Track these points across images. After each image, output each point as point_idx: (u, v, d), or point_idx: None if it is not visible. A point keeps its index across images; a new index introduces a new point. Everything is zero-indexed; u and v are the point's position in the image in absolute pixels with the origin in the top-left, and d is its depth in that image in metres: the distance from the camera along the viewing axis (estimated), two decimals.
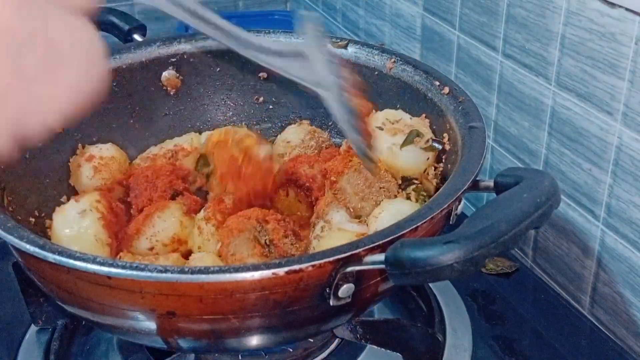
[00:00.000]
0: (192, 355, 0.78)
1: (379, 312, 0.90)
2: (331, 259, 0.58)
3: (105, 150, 0.90)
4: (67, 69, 0.45)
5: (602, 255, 0.89)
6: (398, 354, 0.81)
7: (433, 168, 0.83)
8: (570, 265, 0.95)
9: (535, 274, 0.99)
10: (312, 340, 0.82)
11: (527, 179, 0.63)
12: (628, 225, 0.85)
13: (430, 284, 0.91)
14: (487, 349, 0.85)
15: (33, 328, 0.87)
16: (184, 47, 0.99)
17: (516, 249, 1.04)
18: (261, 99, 1.02)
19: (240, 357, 0.81)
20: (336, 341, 0.84)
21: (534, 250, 1.02)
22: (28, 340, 0.86)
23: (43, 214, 0.82)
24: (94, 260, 0.58)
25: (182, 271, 0.57)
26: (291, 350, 0.82)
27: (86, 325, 0.87)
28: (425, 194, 0.80)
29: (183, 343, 0.65)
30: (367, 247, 0.58)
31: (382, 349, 0.81)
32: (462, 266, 0.54)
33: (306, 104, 1.00)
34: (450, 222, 0.69)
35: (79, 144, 0.90)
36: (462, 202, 0.68)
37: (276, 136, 0.99)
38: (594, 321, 0.91)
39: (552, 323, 0.89)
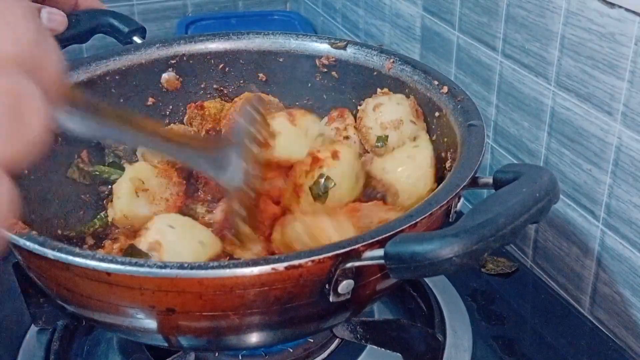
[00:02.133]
0: (193, 355, 0.78)
1: (379, 312, 0.90)
2: (330, 254, 0.58)
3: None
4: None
5: (602, 255, 0.89)
6: (398, 354, 0.81)
7: None
8: (570, 265, 0.95)
9: (535, 274, 0.99)
10: (312, 340, 0.82)
11: (526, 175, 0.63)
12: (628, 225, 0.84)
13: (431, 285, 0.92)
14: (487, 349, 0.85)
15: (33, 328, 0.87)
16: (183, 48, 0.99)
17: (516, 249, 1.04)
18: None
19: (240, 358, 0.81)
20: (336, 341, 0.84)
21: (534, 250, 1.02)
22: (28, 341, 0.86)
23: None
24: (93, 257, 0.58)
25: (181, 267, 0.57)
26: (291, 350, 0.82)
27: (86, 325, 0.87)
28: None
29: (183, 340, 0.65)
30: (366, 243, 0.58)
31: (382, 349, 0.81)
32: (461, 260, 0.53)
33: (305, 107, 1.01)
34: (450, 220, 0.69)
35: (80, 154, 0.91)
36: (461, 199, 0.68)
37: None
38: (594, 321, 0.91)
39: (552, 323, 0.89)
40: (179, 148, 0.69)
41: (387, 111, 0.89)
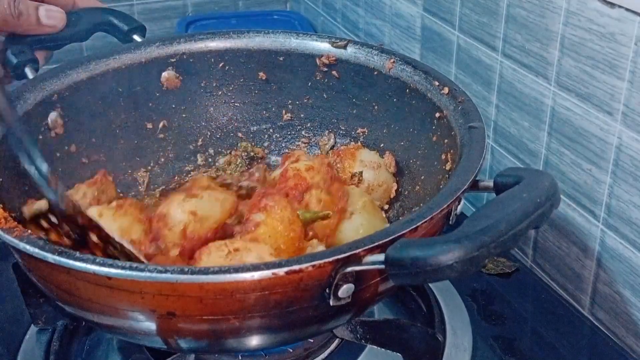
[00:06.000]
0: (192, 356, 0.78)
1: (379, 312, 0.90)
2: (331, 259, 0.58)
3: None
4: None
5: (602, 255, 0.89)
6: (398, 354, 0.81)
7: None
8: (570, 265, 0.95)
9: (535, 274, 0.99)
10: (312, 340, 0.82)
11: (527, 179, 0.63)
12: (628, 225, 0.84)
13: (430, 284, 0.92)
14: (487, 349, 0.85)
15: (33, 328, 0.87)
16: (183, 47, 0.99)
17: (516, 249, 1.04)
18: (261, 99, 1.02)
19: (240, 358, 0.81)
20: (336, 341, 0.84)
21: (534, 250, 1.02)
22: (28, 341, 0.86)
23: None
24: (93, 261, 0.58)
25: (181, 271, 0.57)
26: (291, 350, 0.82)
27: (86, 325, 0.87)
28: None
29: (183, 343, 0.65)
30: (366, 248, 0.58)
31: (382, 349, 0.81)
32: (462, 266, 0.53)
33: (305, 106, 1.01)
34: (450, 223, 0.69)
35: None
36: (461, 202, 0.68)
37: (274, 137, 1.00)
38: (594, 321, 0.91)
39: (552, 323, 0.89)
40: None
41: (368, 154, 0.93)
